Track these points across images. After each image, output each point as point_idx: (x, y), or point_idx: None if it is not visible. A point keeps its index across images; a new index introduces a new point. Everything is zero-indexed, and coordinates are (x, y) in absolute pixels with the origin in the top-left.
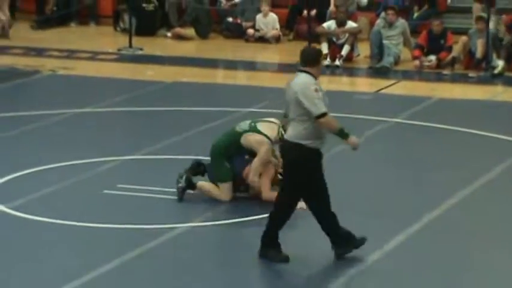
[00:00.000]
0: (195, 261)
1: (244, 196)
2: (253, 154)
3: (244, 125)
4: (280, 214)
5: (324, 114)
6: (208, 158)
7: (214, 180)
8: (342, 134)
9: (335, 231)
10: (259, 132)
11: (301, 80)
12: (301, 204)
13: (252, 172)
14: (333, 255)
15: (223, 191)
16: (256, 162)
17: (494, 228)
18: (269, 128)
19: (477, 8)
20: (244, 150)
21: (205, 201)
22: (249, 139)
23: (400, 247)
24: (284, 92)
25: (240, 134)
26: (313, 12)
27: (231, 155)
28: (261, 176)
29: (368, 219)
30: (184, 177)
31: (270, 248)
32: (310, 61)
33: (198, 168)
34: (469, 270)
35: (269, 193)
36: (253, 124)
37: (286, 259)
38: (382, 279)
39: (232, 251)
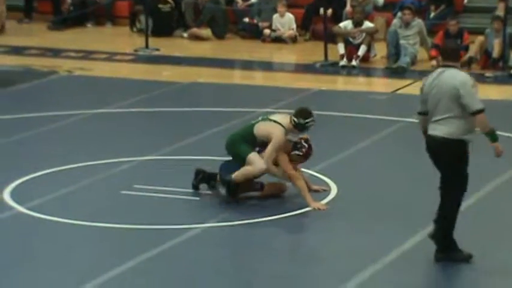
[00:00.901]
0: (211, 262)
1: (258, 196)
2: (264, 145)
3: (258, 118)
4: (452, 213)
5: (481, 111)
6: (222, 159)
7: (241, 162)
8: (493, 135)
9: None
10: (272, 120)
11: (459, 75)
12: (318, 205)
13: (265, 158)
14: (346, 255)
15: (254, 161)
16: (269, 147)
17: (510, 229)
18: (282, 117)
19: (502, 7)
20: (257, 142)
21: (222, 202)
22: (262, 127)
23: (417, 247)
24: (425, 90)
25: (253, 124)
26: (329, 12)
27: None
28: (277, 159)
29: (383, 219)
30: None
31: (450, 249)
32: (455, 56)
33: (199, 176)
34: (485, 270)
35: (292, 169)
36: (265, 116)
37: (469, 257)
38: (398, 279)
39: (248, 251)
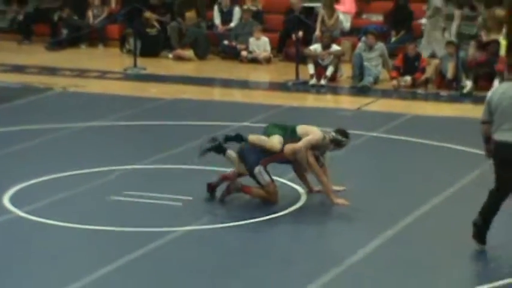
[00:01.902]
0: (191, 262)
1: (247, 198)
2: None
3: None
4: (493, 211)
5: None
6: (205, 168)
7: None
8: None
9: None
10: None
11: None
12: (340, 201)
13: (301, 143)
14: (314, 257)
15: (274, 140)
16: (307, 138)
17: (463, 233)
18: (320, 130)
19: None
20: (296, 138)
21: (205, 206)
22: (305, 127)
23: (377, 251)
24: (495, 102)
25: (296, 124)
26: (300, 34)
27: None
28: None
29: (347, 225)
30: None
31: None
32: None
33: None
34: (440, 272)
35: (318, 167)
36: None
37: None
38: (359, 281)
39: (225, 253)
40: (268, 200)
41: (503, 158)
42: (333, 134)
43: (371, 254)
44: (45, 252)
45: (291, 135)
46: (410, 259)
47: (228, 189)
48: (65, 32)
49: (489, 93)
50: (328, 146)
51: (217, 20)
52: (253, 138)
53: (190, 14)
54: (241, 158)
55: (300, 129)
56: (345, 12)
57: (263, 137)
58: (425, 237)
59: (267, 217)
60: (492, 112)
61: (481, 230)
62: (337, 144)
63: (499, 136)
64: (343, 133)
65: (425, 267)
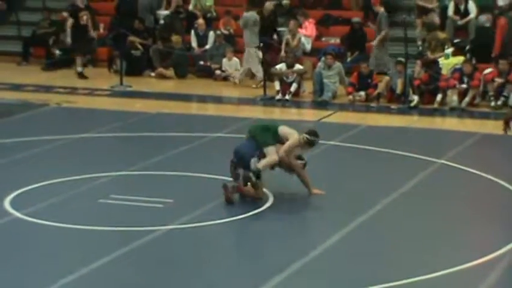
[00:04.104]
0: (173, 256)
1: (221, 201)
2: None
3: (277, 124)
4: None
5: None
6: (184, 174)
7: (261, 147)
8: None
9: None
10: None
11: None
12: (317, 191)
13: (283, 149)
14: (281, 250)
15: (271, 153)
16: (288, 143)
17: (409, 228)
18: (296, 133)
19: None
20: (278, 138)
21: (184, 207)
22: (285, 130)
23: (336, 244)
24: None
25: (277, 126)
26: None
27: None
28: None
29: (309, 222)
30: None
31: None
32: None
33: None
34: (392, 264)
35: (300, 166)
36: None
37: None
38: (321, 271)
39: (201, 248)
40: (255, 196)
41: None
42: (307, 136)
43: (331, 247)
44: (41, 249)
45: (273, 136)
46: (365, 251)
47: (227, 190)
48: (58, 54)
49: None
50: (303, 146)
51: (194, 42)
52: (264, 165)
53: (176, 38)
54: (241, 160)
55: (281, 131)
56: (306, 35)
57: (267, 160)
58: (379, 232)
59: (239, 217)
60: None
61: None
62: (310, 144)
63: None
64: (314, 134)
65: (378, 257)
